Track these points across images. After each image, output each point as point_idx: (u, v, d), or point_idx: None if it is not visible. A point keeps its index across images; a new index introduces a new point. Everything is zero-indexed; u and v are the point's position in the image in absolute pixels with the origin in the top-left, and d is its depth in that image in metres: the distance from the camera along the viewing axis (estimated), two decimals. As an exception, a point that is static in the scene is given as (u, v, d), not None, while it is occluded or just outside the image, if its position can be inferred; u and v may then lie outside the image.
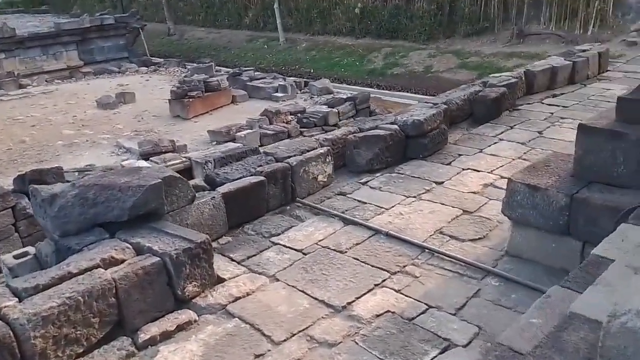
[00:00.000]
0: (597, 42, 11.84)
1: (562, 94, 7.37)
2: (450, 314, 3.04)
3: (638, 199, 2.99)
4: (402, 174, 4.97)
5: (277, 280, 3.44)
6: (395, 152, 5.13)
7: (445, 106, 5.75)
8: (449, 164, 5.16)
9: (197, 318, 3.08)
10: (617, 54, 10.95)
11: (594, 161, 3.25)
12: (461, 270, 3.46)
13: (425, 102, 6.10)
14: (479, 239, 3.83)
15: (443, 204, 4.34)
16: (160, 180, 3.46)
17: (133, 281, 2.96)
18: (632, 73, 8.26)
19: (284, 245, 3.84)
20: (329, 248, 3.77)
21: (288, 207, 4.42)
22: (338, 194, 4.64)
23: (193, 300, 3.22)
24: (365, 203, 4.43)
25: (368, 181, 4.85)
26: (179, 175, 3.73)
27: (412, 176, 4.90)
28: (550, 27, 16.52)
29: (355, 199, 4.52)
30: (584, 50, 8.42)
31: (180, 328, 3.00)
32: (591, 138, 3.26)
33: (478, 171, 4.95)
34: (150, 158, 8.44)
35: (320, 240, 3.88)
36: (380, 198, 4.51)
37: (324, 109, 10.35)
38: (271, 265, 3.60)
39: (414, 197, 4.50)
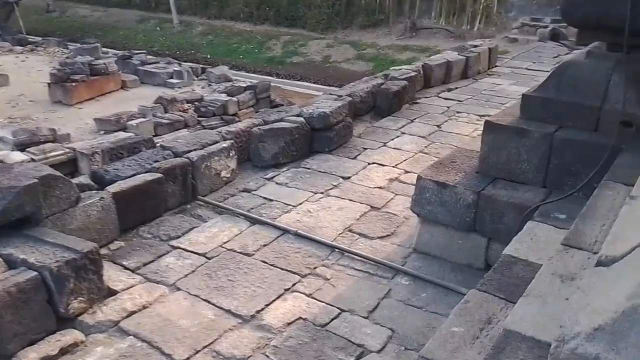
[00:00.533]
0: (483, 37, 12.52)
1: (457, 88, 7.63)
2: (363, 317, 2.95)
3: (540, 196, 3.08)
4: (309, 168, 4.81)
5: (178, 289, 3.14)
6: (301, 146, 4.95)
7: (350, 98, 5.67)
8: (355, 158, 5.09)
9: (84, 338, 2.72)
10: (501, 50, 11.61)
11: (499, 158, 3.29)
12: (372, 270, 3.38)
13: (330, 94, 5.98)
14: (387, 236, 3.78)
15: (351, 200, 4.25)
16: (36, 180, 3.00)
17: (4, 301, 2.54)
18: (518, 69, 8.75)
19: (185, 249, 3.52)
20: (234, 251, 3.52)
21: (189, 206, 4.08)
22: (243, 191, 4.38)
23: (79, 318, 2.84)
24: (272, 200, 4.21)
25: (274, 176, 4.63)
26: (59, 173, 3.27)
27: (319, 171, 4.76)
28: (441, 21, 17.29)
29: (261, 196, 4.28)
30: (475, 46, 8.77)
31: (65, 351, 2.63)
32: (496, 135, 3.29)
33: (383, 165, 4.92)
34: (27, 149, 7.52)
35: (224, 243, 3.61)
36: (288, 195, 4.31)
37: (223, 97, 9.92)
38: (171, 272, 3.28)
39: (322, 193, 4.36)
